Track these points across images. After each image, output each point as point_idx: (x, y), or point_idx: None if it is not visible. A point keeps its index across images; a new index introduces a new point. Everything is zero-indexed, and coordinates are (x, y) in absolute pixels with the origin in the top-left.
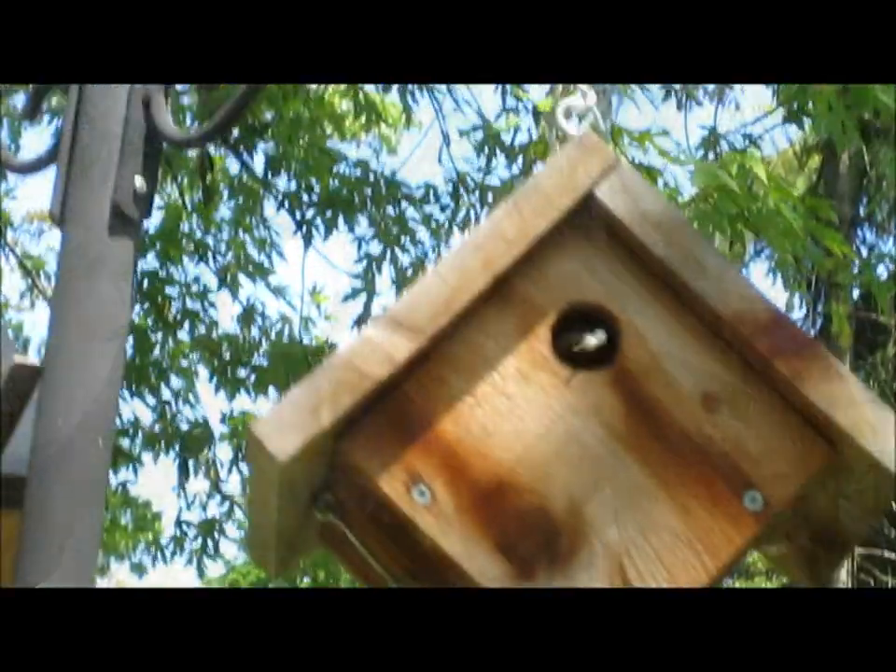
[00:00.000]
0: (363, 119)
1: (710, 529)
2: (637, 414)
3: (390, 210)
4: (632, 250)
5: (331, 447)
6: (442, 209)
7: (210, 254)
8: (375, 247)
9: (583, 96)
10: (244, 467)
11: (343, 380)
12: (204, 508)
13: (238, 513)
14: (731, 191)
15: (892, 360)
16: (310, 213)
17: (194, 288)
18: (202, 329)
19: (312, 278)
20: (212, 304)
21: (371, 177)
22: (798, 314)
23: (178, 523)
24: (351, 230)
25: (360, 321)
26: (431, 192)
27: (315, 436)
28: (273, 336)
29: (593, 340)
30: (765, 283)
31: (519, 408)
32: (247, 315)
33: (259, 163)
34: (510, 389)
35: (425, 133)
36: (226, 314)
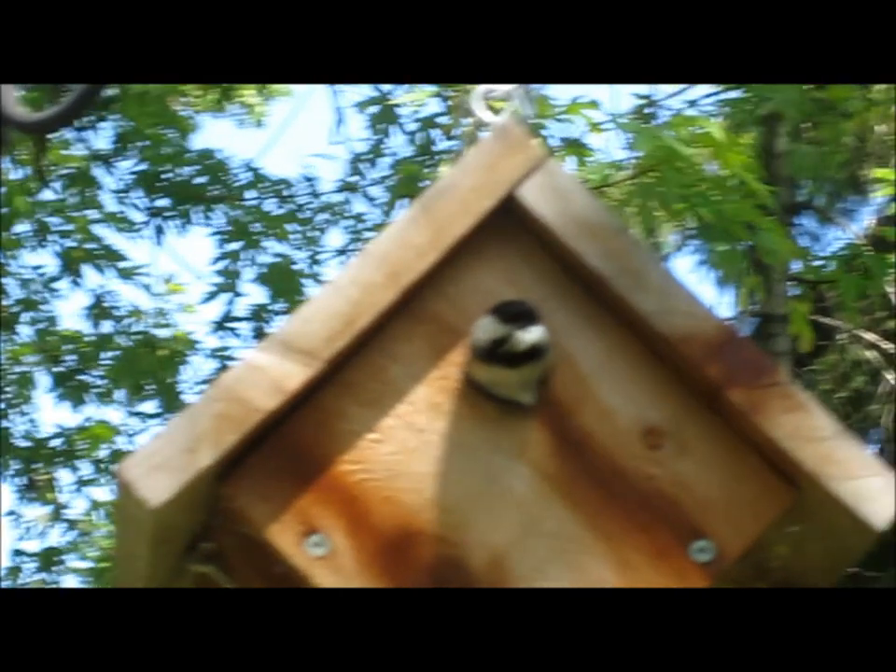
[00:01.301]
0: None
1: (653, 585)
2: (568, 451)
3: (250, 202)
4: (561, 260)
5: (212, 491)
6: (297, 209)
7: (50, 237)
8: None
9: None
10: (90, 490)
11: (226, 413)
12: (44, 535)
13: (83, 542)
14: (682, 158)
15: (839, 367)
16: (160, 202)
17: (33, 277)
18: (41, 326)
19: (164, 268)
20: (54, 292)
21: (228, 164)
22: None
23: (14, 552)
24: (208, 223)
25: (223, 324)
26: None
27: (194, 478)
28: (123, 331)
29: (526, 337)
30: (690, 279)
31: (430, 444)
32: (96, 309)
33: (101, 141)
34: (419, 422)
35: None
36: (69, 307)
